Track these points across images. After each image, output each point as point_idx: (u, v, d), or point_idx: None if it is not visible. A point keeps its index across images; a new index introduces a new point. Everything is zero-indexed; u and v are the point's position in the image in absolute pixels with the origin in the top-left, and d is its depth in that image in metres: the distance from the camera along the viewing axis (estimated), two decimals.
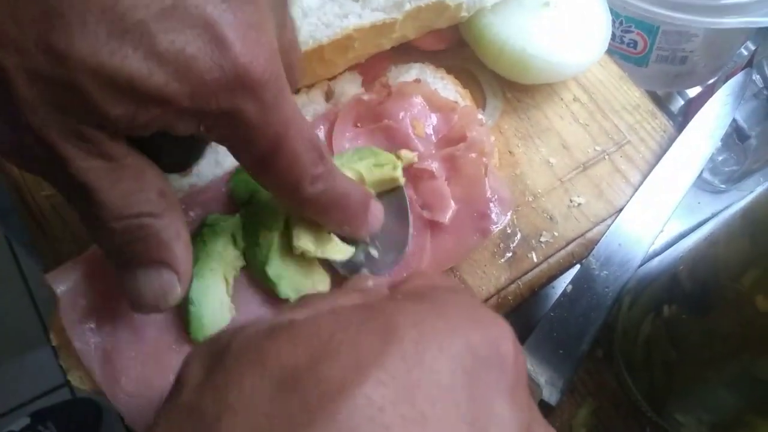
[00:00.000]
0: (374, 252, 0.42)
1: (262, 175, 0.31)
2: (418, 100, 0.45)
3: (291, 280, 0.39)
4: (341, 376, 0.18)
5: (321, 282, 0.40)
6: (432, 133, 0.46)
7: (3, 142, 0.25)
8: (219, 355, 0.21)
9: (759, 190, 0.38)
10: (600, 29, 0.51)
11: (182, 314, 0.37)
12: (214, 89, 0.25)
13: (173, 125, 0.26)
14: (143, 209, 0.27)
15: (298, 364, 0.19)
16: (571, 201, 0.50)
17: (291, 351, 0.19)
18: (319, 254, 0.40)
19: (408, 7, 0.43)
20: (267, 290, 0.40)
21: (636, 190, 0.51)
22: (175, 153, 0.32)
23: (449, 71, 0.50)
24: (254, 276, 0.40)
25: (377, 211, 0.38)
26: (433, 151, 0.45)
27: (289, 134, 0.28)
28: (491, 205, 0.44)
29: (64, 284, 0.34)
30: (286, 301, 0.39)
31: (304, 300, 0.25)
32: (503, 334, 0.23)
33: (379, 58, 0.48)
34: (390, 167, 0.43)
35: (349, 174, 0.42)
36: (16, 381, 1.42)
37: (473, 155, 0.45)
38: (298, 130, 0.29)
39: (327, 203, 0.33)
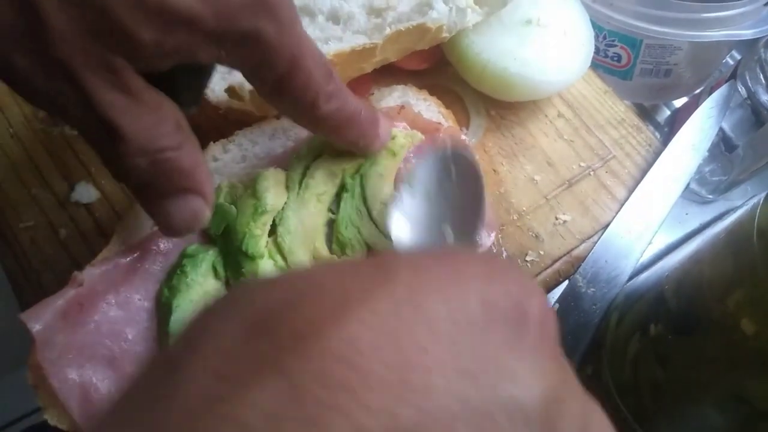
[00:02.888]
0: (448, 234, 0.38)
1: (280, 96, 0.33)
2: (401, 123, 0.45)
3: None
4: (319, 315, 0.16)
5: None
6: None
7: (28, 76, 0.26)
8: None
9: (740, 211, 0.37)
10: (583, 46, 0.51)
11: (161, 349, 0.37)
12: (237, 10, 0.27)
13: (196, 51, 0.28)
14: (165, 143, 0.28)
15: (275, 305, 0.17)
16: (556, 219, 0.50)
17: (269, 293, 0.17)
18: None
19: (388, 30, 0.42)
20: None
21: (622, 205, 0.51)
22: (188, 87, 0.33)
23: (432, 90, 0.50)
24: None
25: (386, 126, 0.41)
26: None
27: (303, 53, 0.30)
28: None
29: (38, 323, 0.34)
30: None
31: None
32: (530, 292, 0.19)
33: (361, 79, 0.48)
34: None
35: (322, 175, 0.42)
36: (8, 397, 1.41)
37: None
38: (309, 49, 0.31)
39: (341, 120, 0.35)
